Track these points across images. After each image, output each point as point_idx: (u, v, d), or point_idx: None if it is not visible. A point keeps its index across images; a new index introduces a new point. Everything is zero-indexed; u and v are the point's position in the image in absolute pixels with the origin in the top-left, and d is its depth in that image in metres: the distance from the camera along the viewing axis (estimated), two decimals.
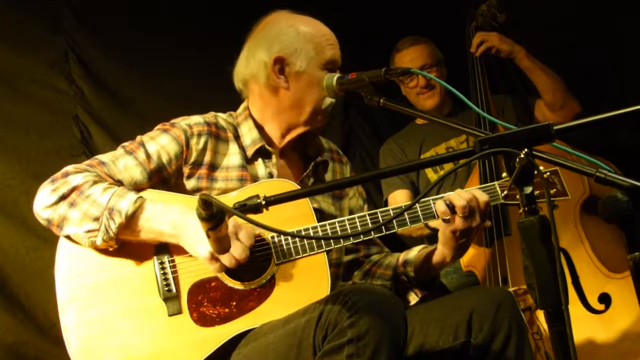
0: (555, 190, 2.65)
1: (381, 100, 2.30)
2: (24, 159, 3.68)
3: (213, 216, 1.90)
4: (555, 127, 1.67)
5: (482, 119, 3.76)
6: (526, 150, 1.63)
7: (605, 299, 3.18)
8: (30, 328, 3.55)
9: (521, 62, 3.92)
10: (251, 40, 2.69)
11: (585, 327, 3.15)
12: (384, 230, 2.52)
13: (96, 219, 2.32)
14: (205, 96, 4.03)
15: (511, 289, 3.34)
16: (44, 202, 2.38)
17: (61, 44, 3.89)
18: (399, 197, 4.06)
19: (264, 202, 1.84)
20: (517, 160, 1.64)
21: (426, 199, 2.51)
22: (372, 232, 2.51)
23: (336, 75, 2.50)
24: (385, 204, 4.10)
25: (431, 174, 4.05)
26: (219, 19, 4.23)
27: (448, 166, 3.85)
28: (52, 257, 3.51)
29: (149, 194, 2.44)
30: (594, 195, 3.38)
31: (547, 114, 3.94)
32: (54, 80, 3.84)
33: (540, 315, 3.25)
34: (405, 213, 2.50)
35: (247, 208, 1.84)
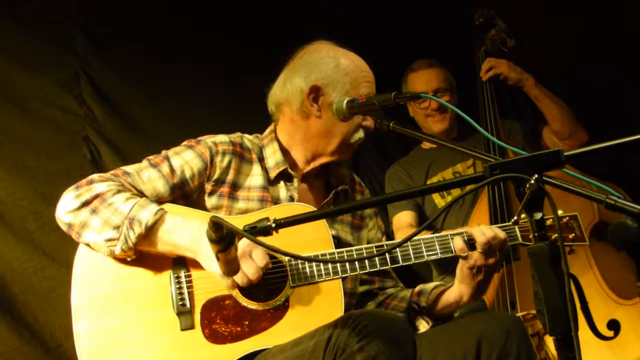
0: (573, 235, 2.62)
1: (391, 124, 2.32)
2: (33, 179, 3.70)
3: (223, 238, 1.90)
4: (565, 154, 1.67)
5: (491, 144, 3.77)
6: (536, 176, 1.63)
7: (614, 325, 3.16)
8: (37, 348, 3.54)
9: (530, 90, 3.94)
10: (291, 65, 2.72)
11: (594, 353, 3.12)
12: (399, 259, 2.50)
13: (116, 228, 2.33)
14: (214, 119, 4.04)
15: (519, 314, 3.32)
16: (66, 207, 2.40)
17: (72, 65, 3.91)
18: (404, 219, 4.05)
19: (273, 225, 1.84)
20: (527, 186, 1.64)
21: (445, 233, 2.53)
22: (386, 255, 2.50)
23: (346, 99, 2.51)
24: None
25: (438, 199, 4.05)
26: (229, 43, 4.27)
27: (456, 191, 3.85)
28: (60, 277, 3.56)
29: (170, 207, 2.45)
30: (603, 221, 3.38)
31: (555, 141, 3.95)
32: (64, 101, 3.87)
33: (549, 340, 3.23)
34: (423, 246, 2.51)
35: (257, 231, 1.84)
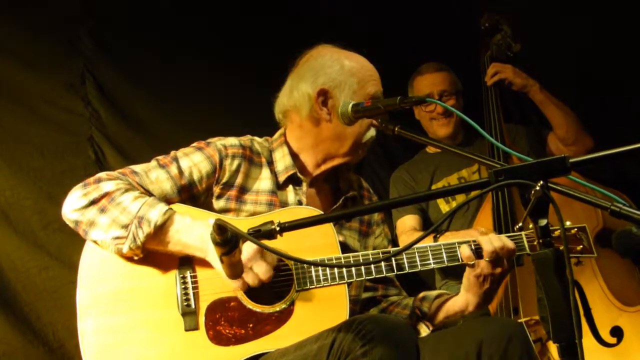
0: (581, 247, 2.58)
1: (396, 129, 2.31)
2: (38, 179, 3.71)
3: (227, 241, 1.90)
4: (571, 160, 1.67)
5: (495, 149, 3.77)
6: (542, 182, 1.63)
7: (617, 332, 3.16)
8: (39, 347, 3.55)
9: (535, 96, 3.93)
10: (295, 72, 2.71)
11: None
12: (405, 266, 2.49)
13: (125, 227, 2.33)
14: (219, 119, 4.05)
15: (522, 320, 3.31)
16: (73, 205, 2.39)
17: (78, 66, 3.93)
18: (408, 222, 4.05)
19: (278, 229, 1.85)
20: (533, 192, 1.63)
21: (451, 241, 2.51)
22: (392, 261, 2.49)
23: (351, 103, 2.50)
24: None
25: (443, 204, 4.04)
26: (234, 45, 4.27)
27: (460, 196, 3.84)
28: (64, 276, 3.57)
29: (179, 207, 2.45)
30: (607, 228, 3.37)
31: (560, 147, 3.94)
32: (70, 102, 3.88)
33: (552, 346, 3.23)
34: (430, 254, 2.49)
35: (261, 234, 1.85)
